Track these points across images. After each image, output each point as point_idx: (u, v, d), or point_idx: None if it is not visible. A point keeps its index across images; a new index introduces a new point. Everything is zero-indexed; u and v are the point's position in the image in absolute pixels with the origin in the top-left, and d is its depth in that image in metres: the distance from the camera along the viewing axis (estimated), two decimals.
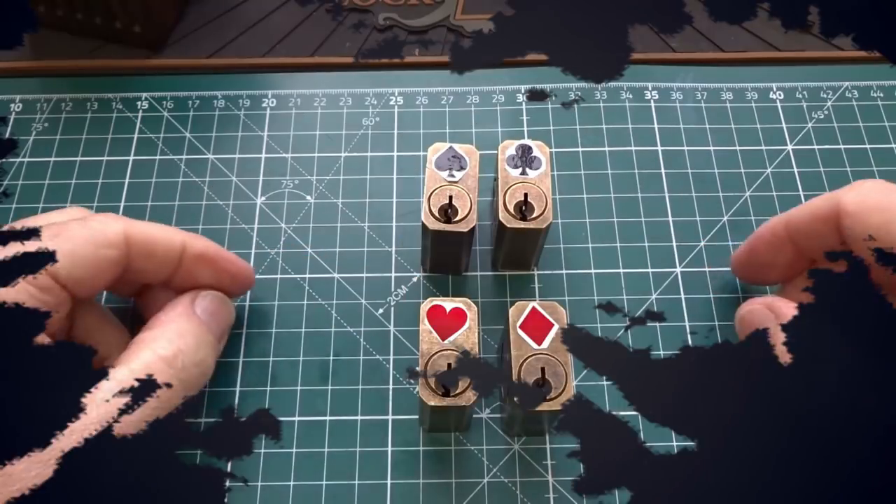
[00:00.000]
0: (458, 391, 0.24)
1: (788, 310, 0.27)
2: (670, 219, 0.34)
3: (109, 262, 0.26)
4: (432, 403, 0.24)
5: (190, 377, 0.26)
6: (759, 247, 0.29)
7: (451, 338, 0.25)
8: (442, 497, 0.28)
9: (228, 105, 0.37)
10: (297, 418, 0.30)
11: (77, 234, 0.25)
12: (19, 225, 0.27)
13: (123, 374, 0.24)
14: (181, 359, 0.26)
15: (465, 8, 0.41)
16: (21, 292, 0.23)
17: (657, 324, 0.31)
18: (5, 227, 0.26)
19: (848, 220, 0.25)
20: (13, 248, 0.24)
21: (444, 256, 0.31)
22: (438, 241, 0.29)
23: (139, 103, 0.37)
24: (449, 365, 0.25)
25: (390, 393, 0.30)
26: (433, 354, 0.25)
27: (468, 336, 0.25)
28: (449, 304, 0.26)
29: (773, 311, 0.27)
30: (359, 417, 0.30)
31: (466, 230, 0.28)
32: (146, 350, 0.25)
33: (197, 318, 0.28)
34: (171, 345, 0.26)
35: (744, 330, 0.29)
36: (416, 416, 0.30)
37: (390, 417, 0.30)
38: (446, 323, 0.25)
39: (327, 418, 0.30)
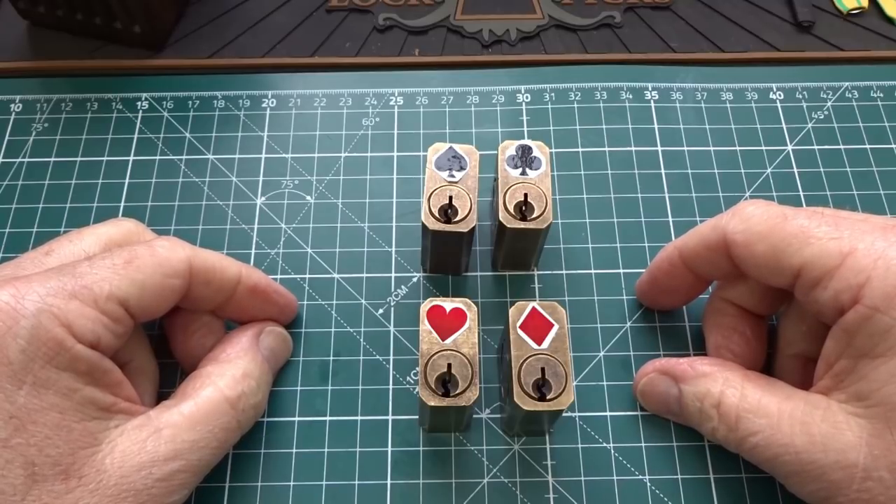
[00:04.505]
0: (458, 391, 0.24)
1: (680, 367, 0.27)
2: (670, 219, 0.34)
3: (173, 290, 0.25)
4: (432, 403, 0.24)
5: (247, 419, 0.26)
6: (659, 276, 0.30)
7: (451, 338, 0.25)
8: (442, 497, 0.28)
9: (228, 105, 0.37)
10: (297, 418, 0.30)
11: (147, 262, 0.24)
12: (77, 236, 0.26)
13: (189, 408, 0.24)
14: (243, 401, 0.26)
15: (465, 8, 0.41)
16: (96, 322, 0.23)
17: (657, 324, 0.31)
18: (63, 240, 0.26)
19: (736, 250, 0.25)
20: (87, 270, 0.23)
21: (444, 257, 0.31)
22: (438, 242, 0.29)
23: (139, 103, 0.37)
24: (449, 365, 0.24)
25: (390, 393, 0.30)
26: (433, 355, 0.25)
27: (468, 336, 0.25)
28: (449, 304, 0.26)
29: (668, 374, 0.28)
30: (359, 417, 0.30)
31: (466, 230, 0.28)
32: (210, 387, 0.25)
33: (262, 358, 0.28)
34: (237, 385, 0.26)
35: (649, 403, 0.29)
36: (416, 416, 0.30)
37: (390, 417, 0.30)
38: (446, 323, 0.25)
39: (327, 418, 0.30)
